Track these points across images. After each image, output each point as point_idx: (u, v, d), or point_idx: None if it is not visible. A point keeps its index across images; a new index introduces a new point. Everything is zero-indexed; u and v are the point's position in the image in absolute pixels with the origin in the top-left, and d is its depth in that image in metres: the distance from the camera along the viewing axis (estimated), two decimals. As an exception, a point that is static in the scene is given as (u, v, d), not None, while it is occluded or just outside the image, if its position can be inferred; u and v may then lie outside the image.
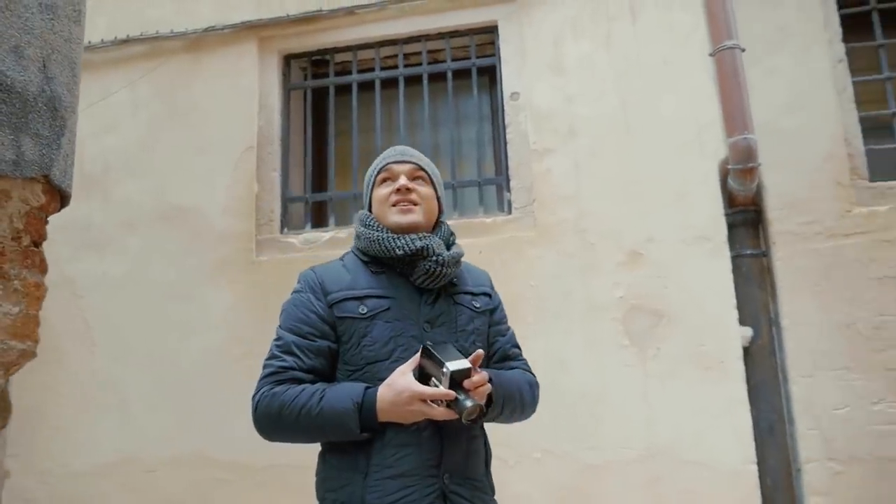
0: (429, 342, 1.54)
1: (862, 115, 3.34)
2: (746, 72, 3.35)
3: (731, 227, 3.32)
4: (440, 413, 1.48)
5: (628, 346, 3.25)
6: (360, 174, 3.81)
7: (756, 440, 3.08)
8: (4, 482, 3.69)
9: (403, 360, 1.56)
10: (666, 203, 3.34)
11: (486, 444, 1.72)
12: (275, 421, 1.57)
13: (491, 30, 3.84)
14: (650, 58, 3.52)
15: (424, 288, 1.68)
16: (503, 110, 3.69)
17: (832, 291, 3.16)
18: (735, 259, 3.28)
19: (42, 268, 1.68)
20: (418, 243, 1.65)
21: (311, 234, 3.73)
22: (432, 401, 1.47)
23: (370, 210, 1.79)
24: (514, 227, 3.51)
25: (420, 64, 3.93)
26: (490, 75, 3.94)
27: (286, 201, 3.90)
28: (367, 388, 1.55)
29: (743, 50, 3.35)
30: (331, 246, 3.58)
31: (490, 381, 1.56)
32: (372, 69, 3.98)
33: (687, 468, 3.09)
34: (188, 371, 3.62)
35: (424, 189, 1.76)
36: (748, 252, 3.31)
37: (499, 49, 3.78)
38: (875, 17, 3.47)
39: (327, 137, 3.99)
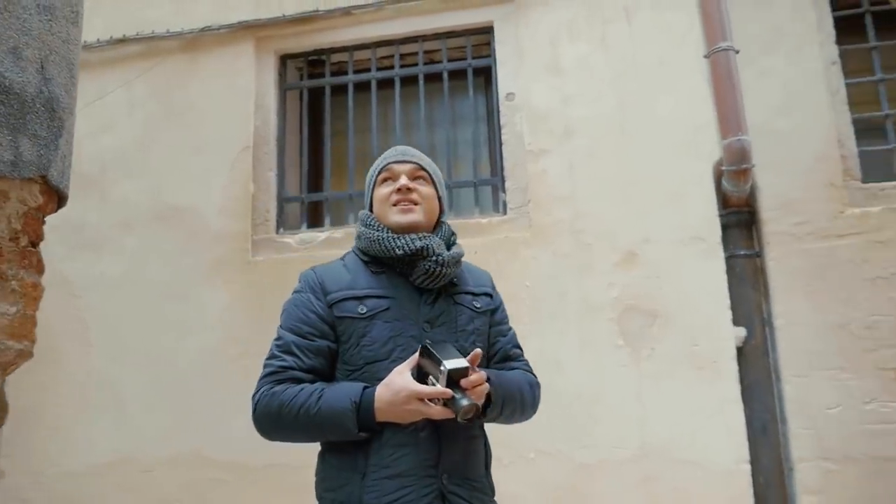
0: (428, 341, 1.54)
1: (855, 116, 3.36)
2: (741, 72, 3.36)
3: (725, 227, 3.34)
4: (437, 412, 1.48)
5: (623, 347, 3.26)
6: (356, 174, 3.82)
7: (749, 440, 3.10)
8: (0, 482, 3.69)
9: (402, 359, 1.56)
10: (661, 204, 3.36)
11: (485, 444, 1.72)
12: (274, 420, 1.58)
13: (487, 31, 3.85)
14: (646, 59, 3.54)
15: (424, 288, 1.68)
16: (499, 111, 3.71)
17: (825, 292, 3.18)
18: (729, 259, 3.30)
19: (39, 268, 1.69)
20: (418, 243, 1.65)
21: (307, 235, 3.74)
22: (429, 399, 1.47)
23: (371, 210, 1.79)
24: (510, 227, 3.52)
25: (416, 64, 3.94)
26: (486, 76, 3.95)
27: (282, 201, 3.91)
28: (366, 387, 1.55)
29: (737, 51, 3.36)
30: (327, 246, 3.59)
31: (489, 381, 1.57)
32: (368, 69, 3.99)
33: (681, 467, 3.10)
34: (185, 371, 3.63)
35: (425, 189, 1.76)
36: (742, 253, 3.33)
37: (495, 50, 3.79)
38: (868, 20, 3.48)
39: (323, 138, 4.00)
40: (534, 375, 1.82)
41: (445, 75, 3.85)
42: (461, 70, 3.86)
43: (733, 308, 3.23)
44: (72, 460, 3.66)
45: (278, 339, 1.66)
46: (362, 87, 3.97)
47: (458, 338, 1.66)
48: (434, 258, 1.65)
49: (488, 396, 1.58)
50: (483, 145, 3.95)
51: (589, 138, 3.51)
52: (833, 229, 3.22)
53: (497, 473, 1.74)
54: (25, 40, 1.59)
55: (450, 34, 3.91)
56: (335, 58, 4.10)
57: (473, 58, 3.87)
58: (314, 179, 4.06)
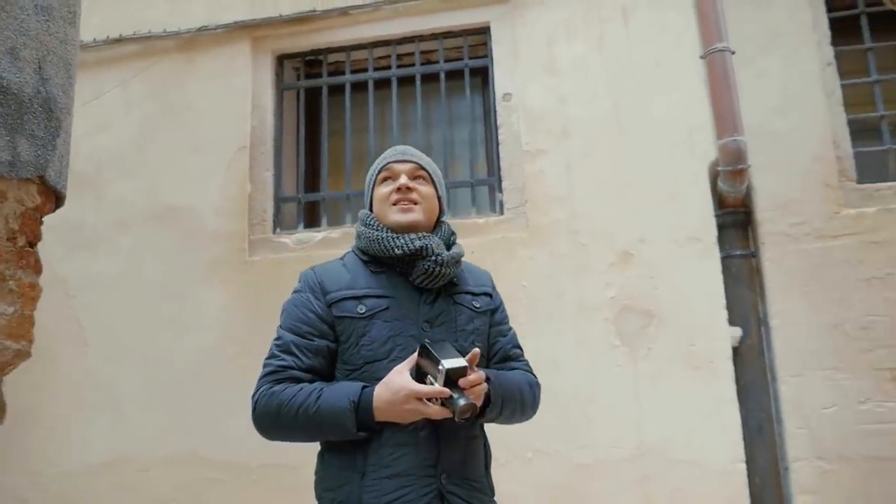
0: (427, 340, 1.54)
1: (850, 117, 3.37)
2: (738, 72, 3.38)
3: (721, 227, 3.35)
4: (435, 411, 1.47)
5: (619, 347, 3.27)
6: (353, 174, 3.82)
7: (745, 439, 3.11)
8: (-4, 482, 3.69)
9: (401, 359, 1.56)
10: (657, 204, 3.37)
11: (485, 445, 1.72)
12: (273, 420, 1.58)
13: (484, 31, 3.85)
14: (642, 59, 3.54)
15: (424, 287, 1.68)
16: (495, 111, 3.71)
17: (821, 292, 3.19)
18: (725, 260, 3.31)
19: (37, 268, 1.69)
20: (417, 243, 1.65)
21: (303, 234, 3.74)
22: (428, 399, 1.47)
23: (371, 209, 1.79)
24: (506, 227, 3.53)
25: (413, 65, 3.95)
26: (483, 76, 3.95)
27: (279, 201, 3.90)
28: (365, 387, 1.55)
29: (733, 52, 3.38)
30: (323, 246, 3.59)
31: (489, 380, 1.57)
32: (365, 70, 3.99)
33: (677, 467, 3.11)
34: (181, 371, 3.63)
35: (425, 188, 1.76)
36: (738, 253, 3.35)
37: (491, 50, 3.79)
38: (863, 21, 3.50)
39: (320, 137, 4.00)
40: (534, 376, 1.81)
41: (442, 75, 3.85)
42: (458, 70, 3.86)
43: (729, 308, 3.24)
44: (68, 460, 3.66)
45: (278, 338, 1.66)
46: (359, 87, 3.97)
47: (457, 337, 1.65)
48: (433, 258, 1.65)
49: (488, 396, 1.57)
50: (480, 145, 3.95)
51: (585, 138, 3.52)
52: (828, 230, 3.23)
53: (494, 473, 1.74)
54: (23, 41, 1.60)
55: (447, 34, 3.91)
56: (332, 58, 4.10)
57: (470, 58, 3.87)
58: (311, 179, 4.06)
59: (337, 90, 4.03)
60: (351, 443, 1.56)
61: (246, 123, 3.89)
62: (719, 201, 3.39)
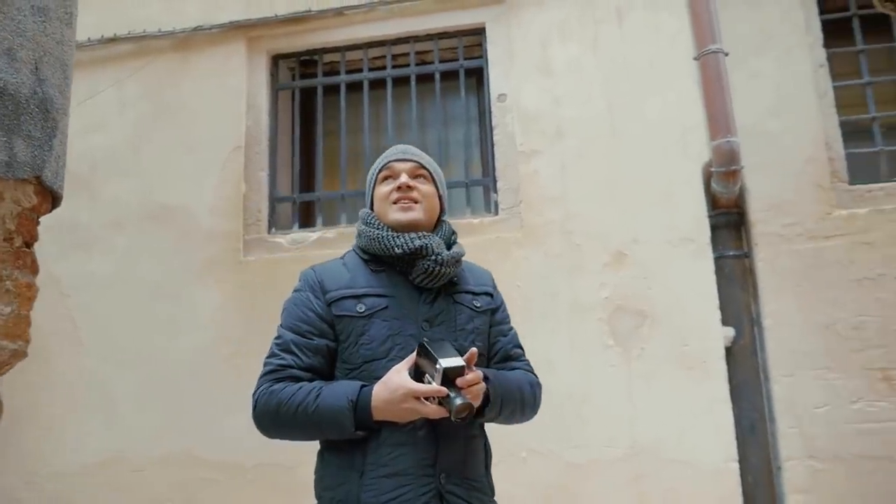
0: (425, 339, 1.53)
1: (842, 119, 3.40)
2: (731, 74, 3.40)
3: (714, 228, 3.37)
4: (432, 410, 1.47)
5: (613, 347, 3.29)
6: (348, 174, 3.83)
7: (738, 439, 3.13)
8: (-10, 482, 3.68)
9: (401, 358, 1.56)
10: (650, 205, 3.39)
11: (485, 444, 1.72)
12: (273, 418, 1.58)
13: (479, 32, 3.86)
14: (636, 60, 3.56)
15: (424, 287, 1.68)
16: (490, 112, 3.72)
17: (813, 292, 3.22)
18: (718, 260, 3.33)
19: (33, 268, 1.69)
20: (417, 242, 1.65)
21: (298, 235, 3.74)
22: (426, 398, 1.47)
23: (372, 208, 1.79)
24: (501, 227, 3.54)
25: (408, 65, 3.95)
26: (478, 77, 3.96)
27: (274, 201, 3.90)
28: (363, 386, 1.55)
29: (726, 54, 3.39)
30: (318, 246, 3.59)
31: (488, 380, 1.57)
32: (360, 70, 4.00)
33: (670, 466, 3.13)
34: (176, 371, 3.62)
35: (425, 187, 1.76)
36: (731, 253, 3.36)
37: (486, 51, 3.81)
38: (855, 23, 3.53)
39: (315, 138, 4.00)
40: (535, 376, 1.81)
41: (437, 76, 3.86)
42: (453, 71, 3.87)
43: (722, 308, 3.26)
44: (63, 460, 3.65)
45: (278, 337, 1.67)
46: (354, 87, 3.98)
47: (457, 337, 1.65)
48: (433, 257, 1.65)
49: (487, 396, 1.57)
50: (475, 146, 3.96)
51: (580, 139, 3.53)
52: (820, 230, 3.26)
53: (489, 472, 1.75)
54: (20, 41, 1.60)
55: (442, 35, 3.92)
56: (327, 58, 4.10)
57: (465, 59, 3.89)
58: (306, 179, 4.07)
59: (332, 90, 4.03)
60: (350, 442, 1.56)
61: (241, 123, 3.89)
62: (712, 202, 3.41)
